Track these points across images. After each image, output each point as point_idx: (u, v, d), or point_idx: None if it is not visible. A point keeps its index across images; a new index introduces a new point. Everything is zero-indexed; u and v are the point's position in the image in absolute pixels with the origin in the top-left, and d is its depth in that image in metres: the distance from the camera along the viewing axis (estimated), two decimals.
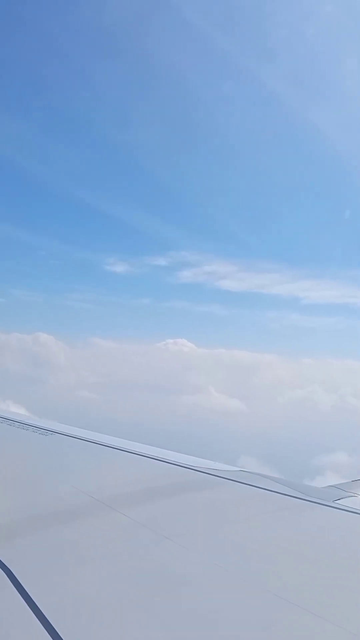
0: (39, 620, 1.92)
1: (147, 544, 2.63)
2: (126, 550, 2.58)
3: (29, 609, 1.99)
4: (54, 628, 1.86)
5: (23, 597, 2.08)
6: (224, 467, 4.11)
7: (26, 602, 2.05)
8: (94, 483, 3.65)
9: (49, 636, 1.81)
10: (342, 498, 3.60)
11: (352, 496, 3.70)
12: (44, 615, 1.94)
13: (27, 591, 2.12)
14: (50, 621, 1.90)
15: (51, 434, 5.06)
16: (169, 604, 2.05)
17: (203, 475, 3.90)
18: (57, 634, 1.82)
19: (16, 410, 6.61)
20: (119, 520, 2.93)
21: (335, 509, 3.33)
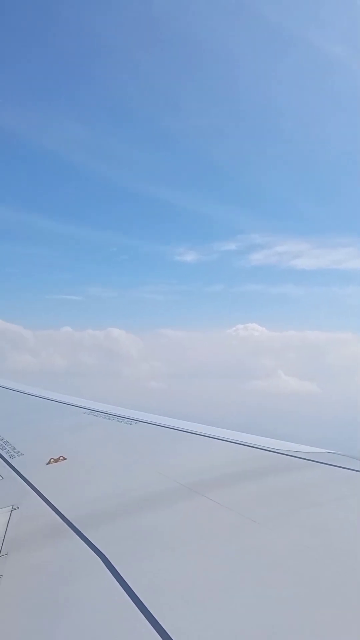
0: (133, 602, 1.99)
1: (235, 527, 2.63)
2: (214, 534, 2.59)
3: (124, 592, 2.07)
4: (148, 610, 1.92)
5: (118, 581, 2.17)
6: (309, 449, 4.01)
7: (121, 585, 2.13)
8: (180, 469, 3.70)
9: (144, 618, 1.87)
10: None
11: None
12: (138, 598, 2.01)
13: (122, 575, 2.21)
14: (144, 603, 1.96)
15: (135, 423, 5.21)
16: (257, 587, 2.04)
17: (288, 457, 3.84)
18: (152, 615, 1.88)
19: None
20: (205, 504, 2.96)
21: None
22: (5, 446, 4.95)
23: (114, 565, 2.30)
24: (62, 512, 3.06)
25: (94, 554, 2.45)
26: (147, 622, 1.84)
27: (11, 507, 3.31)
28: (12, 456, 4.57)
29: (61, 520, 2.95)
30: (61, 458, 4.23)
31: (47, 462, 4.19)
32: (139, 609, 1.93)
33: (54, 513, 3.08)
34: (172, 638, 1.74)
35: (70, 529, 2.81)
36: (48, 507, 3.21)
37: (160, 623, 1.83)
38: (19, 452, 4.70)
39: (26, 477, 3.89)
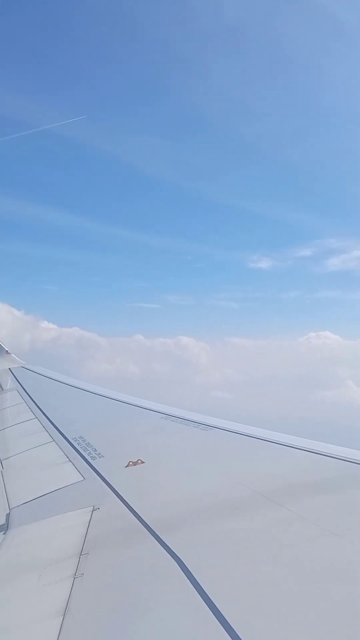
0: (209, 608, 2.00)
1: (313, 539, 2.56)
2: (291, 545, 2.54)
3: (200, 598, 2.09)
4: (224, 617, 1.92)
5: (194, 586, 2.19)
6: None
7: (197, 590, 2.15)
8: (256, 477, 3.66)
9: (220, 625, 1.88)
10: None
11: None
12: (214, 604, 2.02)
13: (198, 580, 2.23)
14: (220, 610, 1.97)
15: (211, 429, 5.22)
16: (334, 602, 1.97)
17: None
18: (228, 622, 1.88)
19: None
20: (283, 514, 2.91)
21: None
22: (87, 448, 5.16)
23: (190, 570, 2.32)
24: (141, 515, 3.14)
25: (171, 557, 2.49)
26: (222, 628, 1.85)
27: (92, 507, 3.45)
28: (93, 457, 4.76)
29: (139, 523, 3.03)
30: (139, 461, 4.34)
31: (126, 464, 4.32)
32: (214, 615, 1.94)
33: (132, 515, 3.17)
34: None
35: (148, 532, 2.88)
36: (127, 509, 3.30)
37: (236, 631, 1.83)
38: (99, 453, 4.88)
39: (106, 479, 4.03)
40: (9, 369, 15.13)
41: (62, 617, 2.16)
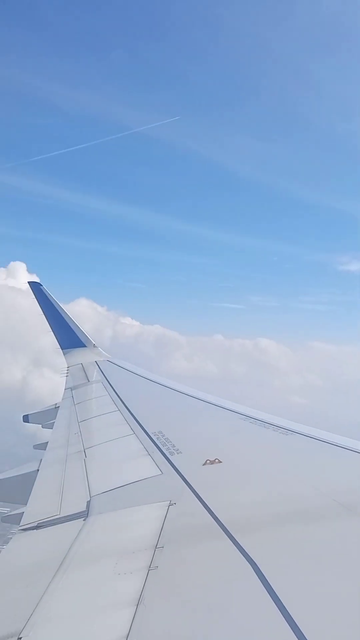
0: (282, 615, 1.94)
1: None
2: None
3: (273, 603, 2.03)
4: (297, 625, 1.86)
5: (267, 591, 2.14)
6: None
7: (270, 595, 2.10)
8: (338, 486, 3.50)
9: (292, 633, 1.82)
10: None
11: None
12: (287, 611, 1.96)
13: (272, 585, 2.18)
14: (293, 618, 1.91)
15: (291, 434, 5.07)
16: None
17: None
18: (301, 631, 1.82)
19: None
20: None
21: None
22: (166, 443, 5.23)
23: (264, 575, 2.27)
24: (216, 514, 3.12)
25: (245, 560, 2.45)
26: (294, 635, 1.79)
27: (169, 502, 3.48)
28: (171, 453, 4.81)
29: (215, 522, 3.01)
30: (217, 460, 4.32)
31: (203, 463, 4.31)
32: (287, 623, 1.89)
33: (208, 514, 3.16)
34: None
35: (223, 532, 2.85)
36: (203, 507, 3.30)
37: (307, 638, 1.76)
38: (177, 449, 4.93)
39: (184, 475, 4.06)
40: (95, 361, 15.77)
41: (135, 607, 2.20)
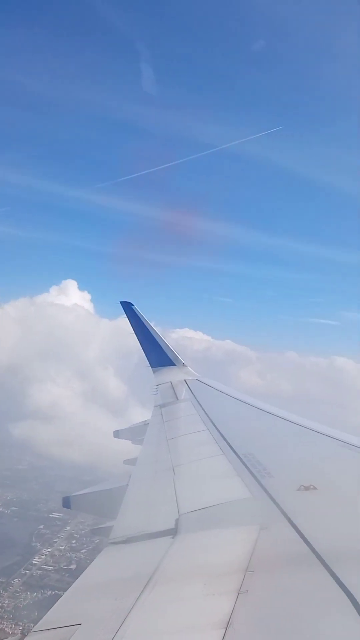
0: None
1: None
2: None
3: None
4: None
5: None
6: None
7: None
8: None
9: None
10: None
11: None
12: None
13: None
14: None
15: None
16: None
17: None
18: None
19: None
20: None
21: None
22: (257, 465, 5.05)
23: None
24: (311, 542, 2.93)
25: (342, 592, 2.26)
26: None
27: (260, 526, 3.33)
28: (262, 476, 4.64)
29: (309, 550, 2.83)
30: (312, 487, 4.08)
31: (297, 488, 4.10)
32: None
33: (302, 541, 2.98)
34: None
35: (318, 560, 2.66)
36: (296, 533, 3.12)
37: None
38: (269, 473, 4.74)
39: (275, 500, 3.87)
40: (184, 380, 15.87)
41: (224, 630, 2.10)
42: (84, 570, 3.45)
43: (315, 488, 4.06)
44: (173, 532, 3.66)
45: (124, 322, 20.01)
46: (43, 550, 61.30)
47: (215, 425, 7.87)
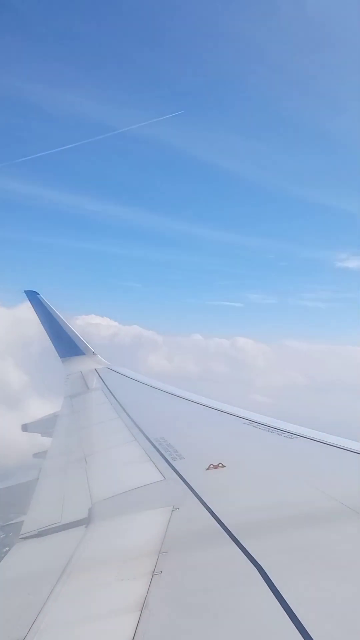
0: (289, 618, 1.90)
1: None
2: None
3: (280, 606, 1.99)
4: (304, 628, 1.81)
5: (274, 594, 2.09)
6: None
7: (277, 598, 2.05)
8: (343, 489, 3.44)
9: (299, 635, 1.77)
10: None
11: None
12: (294, 614, 1.91)
13: (278, 588, 2.13)
14: (301, 621, 1.86)
15: (296, 437, 5.02)
16: None
17: None
18: (308, 634, 1.77)
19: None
20: None
21: None
22: (168, 449, 5.17)
23: (271, 578, 2.22)
24: (220, 518, 3.07)
25: (251, 563, 2.40)
26: (301, 639, 1.75)
27: (172, 507, 3.42)
28: (174, 458, 4.75)
29: (219, 526, 2.95)
30: (220, 465, 4.26)
31: (206, 467, 4.25)
32: (294, 625, 1.84)
33: (212, 518, 3.10)
34: None
35: (227, 535, 2.80)
36: (207, 511, 3.24)
37: None
38: (180, 455, 4.87)
39: (187, 480, 4.00)
40: (95, 369, 15.70)
41: (139, 613, 2.14)
42: None
43: (223, 466, 4.24)
44: (86, 521, 3.65)
45: (25, 310, 19.20)
46: None
47: (127, 413, 7.91)
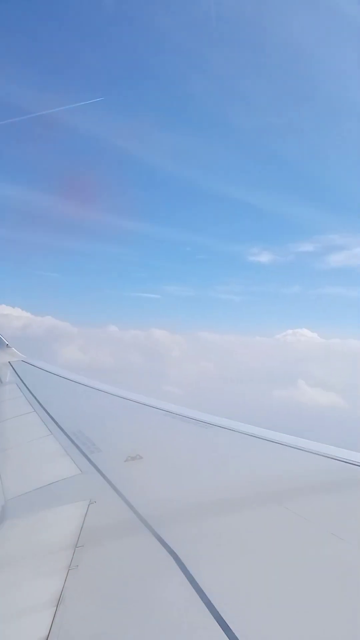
0: (203, 602, 1.97)
1: (313, 539, 2.53)
2: (290, 544, 2.51)
3: (195, 592, 2.06)
4: (217, 611, 1.89)
5: (189, 580, 2.16)
6: None
7: (191, 584, 2.13)
8: (255, 476, 3.63)
9: (213, 619, 1.85)
10: None
11: None
12: (208, 599, 1.99)
13: (193, 575, 2.20)
14: (214, 604, 1.94)
15: (211, 427, 5.19)
16: (331, 599, 1.95)
17: None
18: (221, 617, 1.85)
19: None
20: (282, 513, 2.88)
21: None
22: (86, 442, 5.13)
23: (186, 565, 2.30)
24: (138, 510, 3.11)
25: (167, 552, 2.46)
26: (215, 623, 1.83)
27: (89, 500, 3.41)
28: (91, 452, 4.73)
29: (136, 517, 3.00)
30: (138, 457, 4.31)
31: (124, 459, 4.28)
32: (208, 609, 1.92)
33: (129, 509, 3.14)
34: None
35: (144, 526, 2.85)
36: (124, 503, 3.27)
37: (229, 625, 1.80)
38: (98, 448, 4.85)
39: (104, 473, 4.00)
40: (9, 362, 15.10)
41: (55, 608, 2.13)
42: None
43: (141, 457, 4.29)
44: None
45: None
46: None
47: (42, 407, 7.71)
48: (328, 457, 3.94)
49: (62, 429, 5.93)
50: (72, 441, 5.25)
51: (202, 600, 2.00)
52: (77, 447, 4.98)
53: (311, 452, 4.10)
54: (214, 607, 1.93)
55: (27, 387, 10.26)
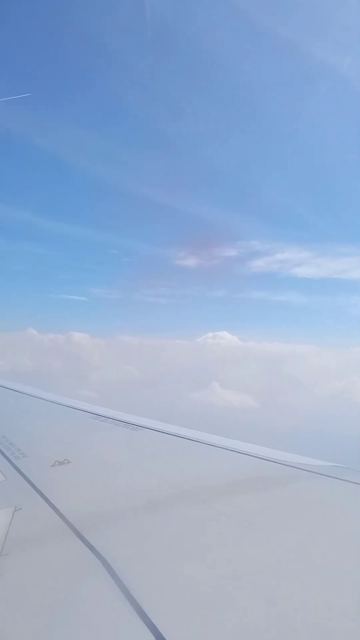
0: (131, 605, 2.00)
1: (235, 534, 2.64)
2: (214, 540, 2.60)
3: (122, 595, 2.08)
4: (145, 614, 1.93)
5: (117, 584, 2.18)
6: (313, 461, 4.00)
7: (120, 588, 2.14)
8: (182, 476, 3.71)
9: (142, 622, 1.88)
10: None
11: None
12: (136, 601, 2.02)
13: (121, 578, 2.22)
14: (142, 607, 1.97)
15: (140, 429, 5.23)
16: (255, 591, 2.05)
17: (291, 469, 3.83)
18: (150, 619, 1.89)
19: None
20: (206, 512, 2.96)
21: None
22: (10, 447, 4.97)
23: (114, 569, 2.31)
24: (65, 515, 3.07)
25: (95, 557, 2.46)
26: (144, 625, 1.86)
27: (14, 507, 3.32)
28: (16, 457, 4.59)
29: (63, 523, 2.96)
30: (65, 461, 4.25)
31: (51, 464, 4.20)
32: (136, 612, 1.94)
33: (56, 515, 3.09)
34: None
35: (72, 531, 2.82)
36: (51, 509, 3.22)
37: (157, 627, 1.84)
38: (23, 453, 4.72)
39: (30, 479, 3.90)
40: None
41: None
42: None
43: (68, 462, 4.23)
44: None
45: None
46: None
47: None
48: (249, 455, 4.11)
49: None
50: None
51: (131, 604, 2.01)
52: (1, 452, 4.82)
53: (237, 452, 4.26)
54: (141, 608, 1.96)
55: None
